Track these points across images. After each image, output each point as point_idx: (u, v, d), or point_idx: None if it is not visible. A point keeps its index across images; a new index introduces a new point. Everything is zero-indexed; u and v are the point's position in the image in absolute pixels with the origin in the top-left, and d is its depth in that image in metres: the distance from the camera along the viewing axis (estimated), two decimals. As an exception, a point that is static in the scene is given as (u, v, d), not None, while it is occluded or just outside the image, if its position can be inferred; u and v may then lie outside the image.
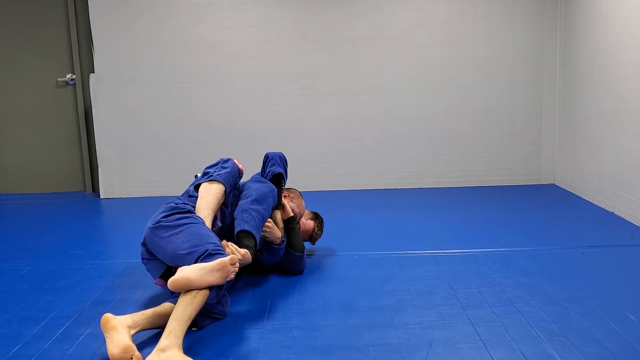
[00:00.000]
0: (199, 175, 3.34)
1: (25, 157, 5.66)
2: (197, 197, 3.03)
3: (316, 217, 3.62)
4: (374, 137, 5.46)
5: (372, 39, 5.34)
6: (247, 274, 3.29)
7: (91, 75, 5.37)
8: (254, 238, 2.93)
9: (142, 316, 2.54)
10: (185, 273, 2.49)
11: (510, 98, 5.43)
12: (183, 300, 2.45)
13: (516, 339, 2.50)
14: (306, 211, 3.62)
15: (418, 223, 4.33)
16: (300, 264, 3.32)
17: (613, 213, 4.40)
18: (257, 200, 3.07)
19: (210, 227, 2.89)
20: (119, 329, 2.39)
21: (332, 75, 5.39)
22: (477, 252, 3.62)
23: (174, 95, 5.40)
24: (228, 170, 3.11)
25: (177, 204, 2.98)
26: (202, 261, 2.58)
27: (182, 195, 3.17)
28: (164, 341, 2.32)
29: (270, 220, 3.19)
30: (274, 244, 3.21)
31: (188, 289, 2.47)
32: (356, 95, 5.41)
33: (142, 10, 5.31)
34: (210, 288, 2.52)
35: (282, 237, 3.26)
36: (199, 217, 2.89)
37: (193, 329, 2.65)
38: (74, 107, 5.61)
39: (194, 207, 2.98)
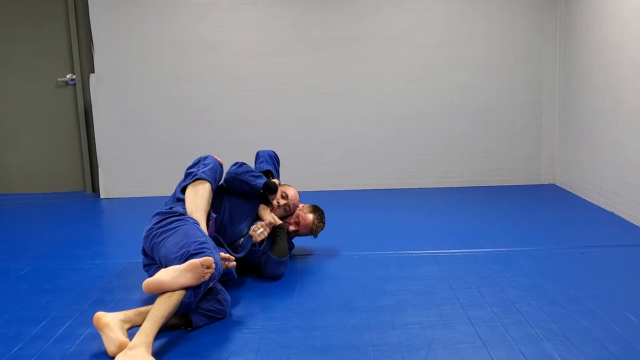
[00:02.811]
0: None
1: (25, 157, 5.66)
2: (184, 200, 3.06)
3: (315, 209, 3.53)
4: (374, 136, 5.46)
5: (372, 39, 5.34)
6: (250, 277, 3.29)
7: (91, 75, 5.36)
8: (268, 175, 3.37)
9: (134, 312, 2.55)
10: (159, 275, 2.51)
11: (510, 98, 5.42)
12: (158, 300, 2.48)
13: (516, 339, 2.50)
14: (304, 205, 3.56)
15: (418, 223, 4.33)
16: (278, 269, 3.24)
17: (613, 213, 4.40)
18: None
19: (205, 227, 2.91)
20: (112, 326, 2.43)
21: (332, 75, 5.38)
22: (477, 252, 3.62)
23: (174, 95, 5.40)
24: (210, 166, 3.15)
25: (167, 209, 3.01)
26: (182, 263, 2.58)
27: (170, 198, 3.18)
28: (134, 340, 2.35)
29: (264, 225, 3.20)
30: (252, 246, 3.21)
31: (161, 291, 2.49)
32: (356, 95, 5.41)
33: (142, 10, 5.31)
34: (187, 288, 2.52)
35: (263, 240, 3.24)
36: (191, 218, 2.91)
37: (188, 328, 2.65)
38: (74, 107, 5.60)
39: (185, 209, 3.00)
